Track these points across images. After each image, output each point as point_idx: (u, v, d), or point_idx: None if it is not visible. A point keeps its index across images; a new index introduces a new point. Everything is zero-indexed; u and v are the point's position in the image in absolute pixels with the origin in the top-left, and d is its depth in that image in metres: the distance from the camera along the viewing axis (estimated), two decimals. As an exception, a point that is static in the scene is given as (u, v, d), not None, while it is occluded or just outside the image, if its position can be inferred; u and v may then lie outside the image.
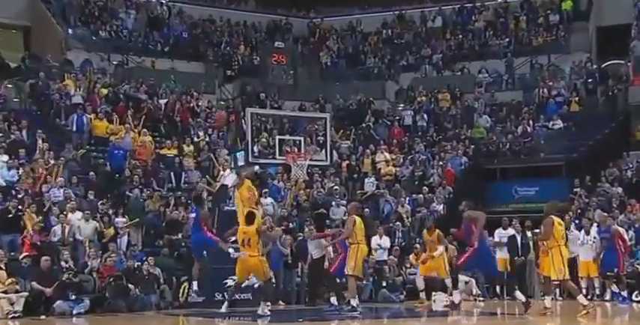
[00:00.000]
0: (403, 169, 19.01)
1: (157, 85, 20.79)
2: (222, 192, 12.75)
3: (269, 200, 15.79)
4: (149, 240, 14.57)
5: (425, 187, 18.11)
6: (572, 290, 10.47)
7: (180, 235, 14.30)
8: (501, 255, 14.34)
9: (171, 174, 16.90)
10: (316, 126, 16.97)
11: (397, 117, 22.48)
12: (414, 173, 18.93)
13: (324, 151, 13.23)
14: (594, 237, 13.40)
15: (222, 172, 15.02)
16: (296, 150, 12.95)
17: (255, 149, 14.30)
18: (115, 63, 22.23)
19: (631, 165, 18.07)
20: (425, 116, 22.19)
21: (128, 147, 17.08)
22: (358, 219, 10.73)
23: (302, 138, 13.17)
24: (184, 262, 13.29)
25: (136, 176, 15.94)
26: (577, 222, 14.62)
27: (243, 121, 18.17)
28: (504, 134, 20.62)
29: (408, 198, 17.61)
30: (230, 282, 11.78)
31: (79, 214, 13.69)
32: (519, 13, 24.78)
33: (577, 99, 20.90)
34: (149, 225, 14.80)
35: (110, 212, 14.38)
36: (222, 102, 22.52)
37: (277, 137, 13.28)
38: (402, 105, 23.53)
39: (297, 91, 22.63)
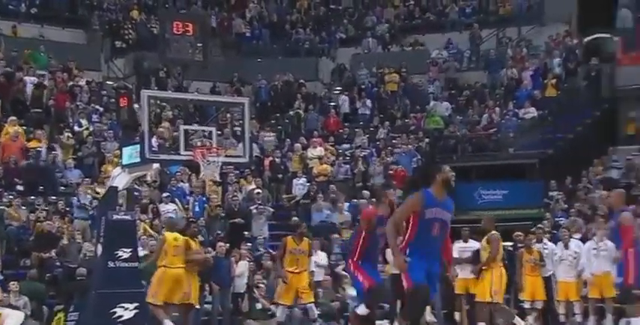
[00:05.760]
0: (340, 168, 19.12)
1: (21, 58, 20.19)
2: (110, 197, 12.49)
3: (171, 206, 15.59)
4: (11, 259, 14.14)
5: (366, 191, 18.26)
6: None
7: (53, 252, 13.94)
8: (462, 275, 14.56)
9: (43, 173, 16.45)
10: (232, 114, 16.84)
11: (333, 103, 22.60)
12: (354, 173, 19.06)
13: (241, 145, 13.13)
14: (575, 252, 13.77)
15: (111, 171, 14.73)
16: (207, 143, 12.81)
17: (154, 142, 14.05)
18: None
19: (618, 164, 18.66)
20: (368, 102, 22.39)
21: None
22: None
23: (214, 129, 13.04)
24: (59, 287, 12.93)
25: (-5, 176, 15.46)
26: (554, 232, 14.98)
27: (137, 106, 17.86)
28: (466, 124, 20.99)
29: (347, 204, 17.71)
30: (120, 311, 11.56)
31: None
32: (484, -25, 25.33)
33: (554, 81, 21.45)
34: (11, 240, 14.37)
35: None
36: (110, 82, 22.09)
37: (182, 127, 13.08)
38: (339, 88, 23.66)
39: (208, 69, 22.39)
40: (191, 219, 14.11)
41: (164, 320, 11.23)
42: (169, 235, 11.78)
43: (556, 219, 16.34)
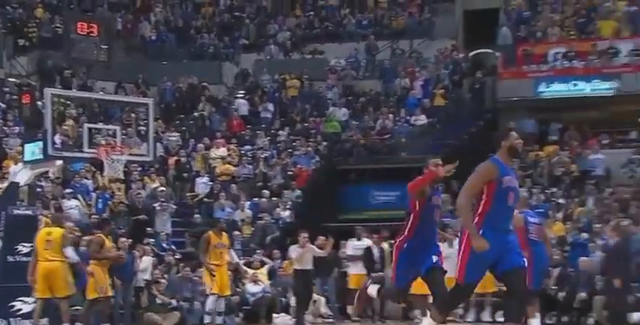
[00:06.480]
0: (242, 168, 19.08)
1: None
2: (11, 192, 12.09)
3: (74, 202, 15.21)
4: None
5: (265, 190, 18.28)
6: None
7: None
8: (356, 271, 14.79)
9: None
10: (137, 114, 16.55)
11: (236, 106, 22.52)
12: (255, 173, 19.05)
13: (146, 144, 12.93)
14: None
15: (12, 167, 14.25)
16: (111, 142, 12.56)
17: (57, 139, 13.69)
18: None
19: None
20: (269, 106, 22.42)
21: None
22: None
23: (118, 128, 12.80)
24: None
25: None
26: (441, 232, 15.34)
27: (40, 104, 17.33)
28: (361, 129, 21.28)
29: (248, 203, 17.68)
30: (19, 305, 11.23)
31: None
32: (379, -12, 25.67)
33: (442, 92, 22.00)
34: None
35: None
36: (13, 79, 21.35)
37: (86, 125, 12.78)
38: (242, 91, 23.61)
39: (113, 70, 21.96)
40: (96, 218, 13.81)
41: (36, 317, 10.98)
42: (42, 230, 11.50)
43: (442, 220, 16.72)
